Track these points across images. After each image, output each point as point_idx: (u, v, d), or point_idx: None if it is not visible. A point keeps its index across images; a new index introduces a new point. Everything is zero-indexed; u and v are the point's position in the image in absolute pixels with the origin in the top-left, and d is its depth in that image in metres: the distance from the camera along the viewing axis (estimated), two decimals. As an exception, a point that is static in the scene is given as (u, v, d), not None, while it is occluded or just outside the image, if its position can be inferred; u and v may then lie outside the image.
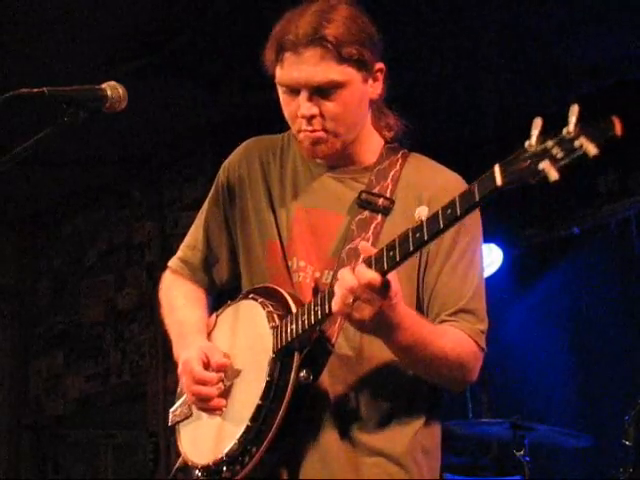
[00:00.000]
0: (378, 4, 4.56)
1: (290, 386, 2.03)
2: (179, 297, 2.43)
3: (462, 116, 5.67)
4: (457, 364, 2.10)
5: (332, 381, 2.12)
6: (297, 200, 2.27)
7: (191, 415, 2.29)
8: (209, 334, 2.33)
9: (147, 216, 6.59)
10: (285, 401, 2.03)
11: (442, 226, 1.78)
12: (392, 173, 2.21)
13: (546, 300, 5.70)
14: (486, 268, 5.58)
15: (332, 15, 2.10)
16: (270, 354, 2.09)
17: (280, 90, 2.17)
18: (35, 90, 1.91)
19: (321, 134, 2.14)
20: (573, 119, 1.66)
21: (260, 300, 2.18)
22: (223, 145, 2.66)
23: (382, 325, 1.93)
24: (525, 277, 5.78)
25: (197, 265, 2.43)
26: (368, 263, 1.88)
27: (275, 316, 2.13)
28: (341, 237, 2.18)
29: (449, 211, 1.77)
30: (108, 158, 6.37)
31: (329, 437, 2.12)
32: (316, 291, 2.15)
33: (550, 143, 1.66)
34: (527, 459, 4.39)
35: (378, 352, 2.11)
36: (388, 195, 2.17)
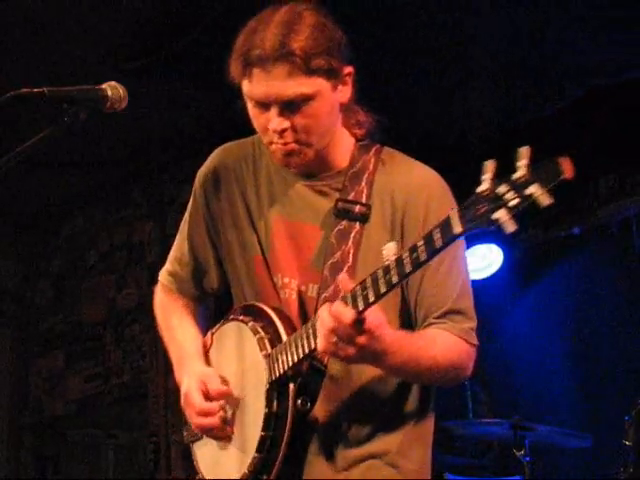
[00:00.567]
0: (371, 3, 4.59)
1: (290, 416, 2.08)
2: (174, 315, 2.45)
3: (453, 118, 5.67)
4: (450, 368, 2.15)
5: (323, 399, 2.15)
6: (275, 212, 2.26)
7: (202, 437, 2.34)
8: (206, 353, 2.36)
9: (147, 216, 6.59)
10: (287, 430, 2.08)
11: (408, 270, 1.83)
12: (366, 175, 2.20)
13: (546, 300, 5.70)
14: (486, 268, 5.65)
15: (298, 26, 2.06)
16: (265, 384, 2.13)
17: (249, 103, 2.14)
18: (35, 90, 1.91)
19: (293, 146, 2.12)
20: (524, 162, 1.67)
21: (250, 324, 2.20)
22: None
23: (368, 356, 1.97)
24: (525, 277, 5.78)
25: (186, 278, 2.44)
26: (345, 301, 1.91)
27: (266, 342, 2.15)
28: (321, 250, 2.18)
29: (414, 255, 1.81)
30: (108, 158, 6.37)
31: (320, 454, 2.17)
32: (302, 307, 2.19)
33: (503, 189, 1.67)
34: (527, 459, 4.39)
35: (367, 366, 2.12)
36: (364, 200, 2.17)
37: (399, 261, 1.84)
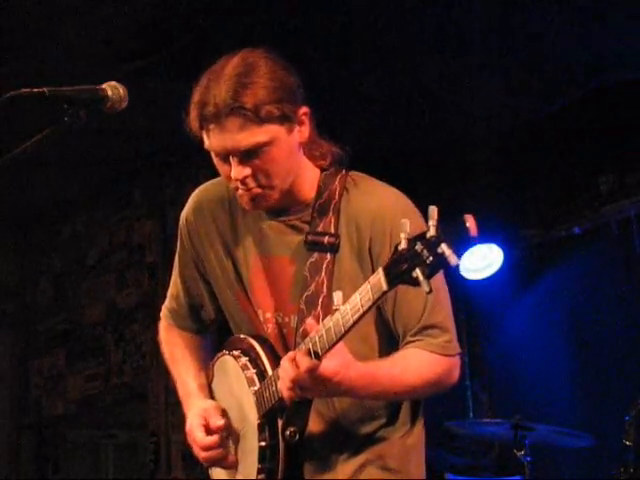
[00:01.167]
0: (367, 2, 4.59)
1: (281, 449, 2.22)
2: (177, 351, 2.60)
3: (449, 118, 5.67)
4: (427, 386, 2.23)
5: (314, 422, 2.26)
6: (251, 250, 2.36)
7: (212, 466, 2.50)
8: (210, 384, 2.52)
9: (148, 216, 6.59)
10: (280, 461, 2.22)
11: (353, 320, 1.97)
12: (332, 205, 2.27)
13: (546, 300, 5.70)
14: (486, 268, 5.65)
15: (248, 79, 2.13)
16: (256, 419, 2.27)
17: (211, 153, 2.24)
18: (35, 90, 1.91)
19: (257, 191, 2.21)
20: (433, 222, 1.80)
21: (239, 360, 2.34)
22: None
23: (335, 394, 2.15)
24: (525, 277, 5.78)
25: (184, 314, 2.59)
26: (306, 346, 2.04)
27: (255, 378, 2.29)
28: (296, 283, 2.28)
29: (355, 307, 1.95)
30: (108, 158, 6.37)
31: (318, 471, 2.29)
32: (284, 339, 2.31)
33: (419, 246, 1.80)
34: (528, 459, 4.39)
35: None
36: (332, 231, 2.25)
37: (344, 312, 1.98)
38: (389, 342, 2.28)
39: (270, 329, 2.33)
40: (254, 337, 2.35)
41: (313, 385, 2.04)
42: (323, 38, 4.87)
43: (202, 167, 6.05)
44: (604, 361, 5.34)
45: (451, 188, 5.66)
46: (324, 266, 2.23)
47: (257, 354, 2.31)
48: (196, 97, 2.20)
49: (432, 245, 1.78)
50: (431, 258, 1.78)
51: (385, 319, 2.26)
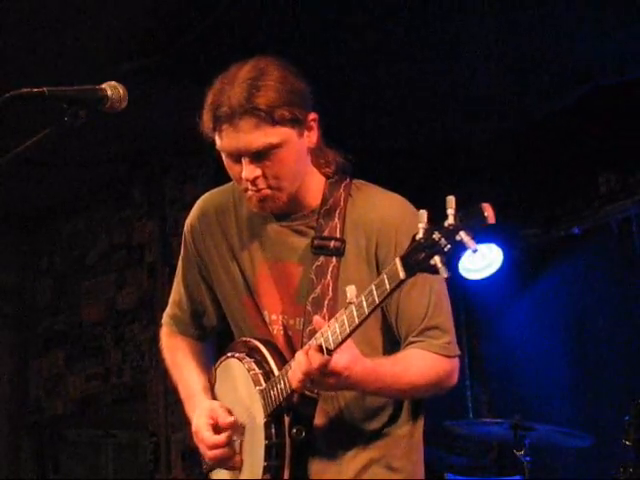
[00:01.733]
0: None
1: (287, 447, 2.27)
2: (179, 356, 2.66)
3: (449, 118, 5.67)
4: (429, 386, 2.30)
5: (319, 420, 2.32)
6: (258, 254, 2.43)
7: (217, 467, 2.52)
8: (212, 388, 2.56)
9: (148, 216, 6.59)
10: (287, 459, 2.28)
11: (366, 313, 2.03)
12: (338, 211, 2.35)
13: (546, 300, 5.70)
14: (486, 268, 5.65)
15: (261, 82, 2.22)
16: (263, 417, 2.31)
17: (222, 155, 2.32)
18: (35, 90, 1.91)
19: (266, 192, 2.28)
20: (451, 211, 1.86)
21: (245, 361, 2.39)
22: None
23: (343, 388, 2.21)
24: (525, 277, 5.78)
25: (186, 320, 2.64)
26: (317, 341, 2.11)
27: (260, 377, 2.35)
28: (303, 286, 2.35)
29: (370, 299, 2.02)
30: (108, 158, 6.37)
31: (324, 470, 2.34)
32: (290, 340, 2.37)
33: (437, 235, 1.86)
34: (527, 459, 4.39)
35: None
36: (338, 235, 2.33)
37: (359, 304, 2.04)
38: (392, 345, 2.35)
39: (276, 330, 2.40)
40: (259, 339, 2.40)
41: (323, 379, 2.11)
42: (323, 38, 4.87)
43: (202, 167, 6.06)
44: (604, 361, 5.34)
45: (451, 188, 5.65)
46: (330, 269, 2.30)
47: (263, 355, 2.36)
48: (210, 99, 2.28)
49: (450, 233, 1.83)
50: (449, 246, 1.84)
51: (389, 322, 2.32)
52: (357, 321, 2.04)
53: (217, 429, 2.40)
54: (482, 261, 5.56)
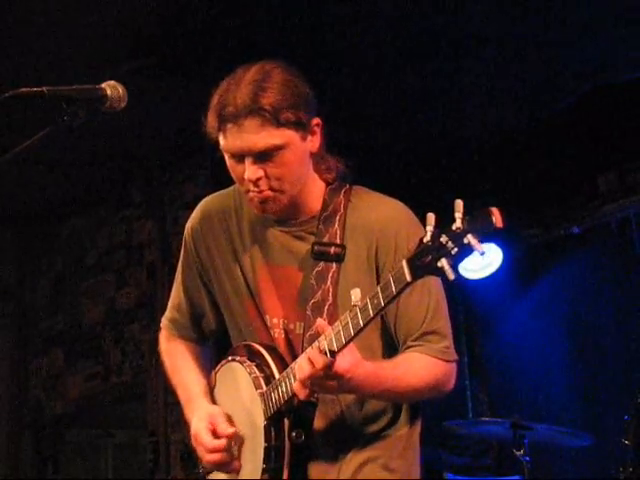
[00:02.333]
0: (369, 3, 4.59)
1: (287, 450, 2.29)
2: (178, 360, 2.67)
3: (448, 119, 5.68)
4: (427, 389, 2.31)
5: (318, 423, 2.33)
6: (259, 258, 2.44)
7: (214, 470, 2.53)
8: (212, 392, 2.57)
9: (147, 215, 6.59)
10: (285, 461, 2.29)
11: (371, 315, 2.04)
12: (338, 217, 2.37)
13: (546, 300, 5.70)
14: (486, 268, 5.64)
15: (267, 84, 2.24)
16: (263, 420, 2.32)
17: (226, 155, 2.33)
18: (35, 89, 1.91)
19: (268, 193, 2.29)
20: (458, 214, 1.86)
21: (246, 364, 2.41)
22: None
23: (344, 392, 2.22)
24: (525, 277, 5.78)
25: (185, 324, 2.66)
26: (320, 343, 2.12)
27: (261, 381, 2.36)
28: (303, 291, 2.37)
29: (375, 301, 2.02)
30: (108, 158, 6.36)
31: (322, 472, 2.34)
32: (290, 344, 2.38)
33: (444, 238, 1.87)
34: (527, 459, 4.39)
35: None
36: (338, 241, 2.35)
37: (363, 307, 2.05)
38: (390, 349, 2.36)
39: (277, 334, 2.41)
40: (261, 343, 2.41)
41: (325, 381, 2.12)
42: (322, 38, 4.87)
43: (201, 167, 6.06)
44: (603, 360, 5.34)
45: (451, 188, 5.66)
46: (330, 275, 2.32)
47: (264, 359, 2.37)
48: (215, 100, 2.30)
49: (457, 236, 1.85)
50: (456, 249, 1.85)
51: (387, 325, 2.34)
52: (362, 324, 2.04)
53: (216, 434, 2.41)
54: (482, 261, 5.56)
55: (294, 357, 2.33)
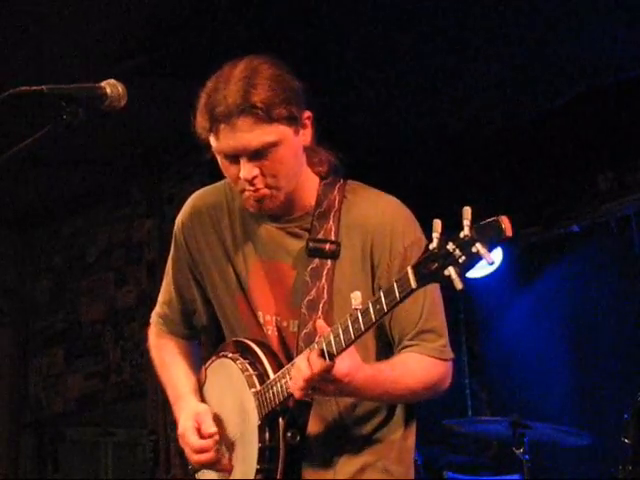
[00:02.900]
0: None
1: (282, 450, 2.24)
2: (167, 356, 2.62)
3: (447, 117, 5.67)
4: (424, 390, 2.29)
5: (313, 425, 2.29)
6: (251, 253, 2.39)
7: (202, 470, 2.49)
8: (201, 388, 2.52)
9: (146, 214, 6.59)
10: (280, 462, 2.24)
11: (373, 320, 2.00)
12: (332, 213, 2.32)
13: (546, 298, 5.70)
14: (485, 266, 5.63)
15: (256, 80, 2.19)
16: (257, 420, 2.28)
17: (218, 156, 2.28)
18: (34, 88, 1.91)
19: (264, 191, 2.25)
20: (467, 222, 1.83)
21: (239, 362, 2.35)
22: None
23: (343, 395, 2.20)
24: (525, 276, 5.78)
25: (176, 320, 2.61)
26: (319, 345, 2.09)
27: (254, 379, 2.31)
28: (297, 288, 2.32)
29: (378, 306, 1.99)
30: (107, 156, 6.36)
31: (317, 473, 2.31)
32: (284, 342, 2.34)
33: (451, 246, 1.84)
34: (526, 457, 4.39)
35: None
36: (333, 238, 2.30)
37: (366, 311, 2.01)
38: (385, 348, 2.33)
39: (270, 331, 2.36)
40: (253, 340, 2.37)
41: (324, 385, 2.10)
42: (322, 37, 4.87)
43: (200, 165, 6.05)
44: (603, 359, 5.34)
45: (450, 186, 5.66)
46: (325, 272, 2.28)
47: (257, 356, 2.33)
48: (204, 100, 2.24)
49: (465, 244, 1.82)
50: (464, 257, 1.82)
51: (382, 325, 2.30)
52: (363, 328, 2.01)
53: (202, 434, 2.38)
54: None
55: (288, 355, 2.30)
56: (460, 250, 1.82)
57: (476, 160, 5.80)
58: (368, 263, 2.28)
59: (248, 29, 4.66)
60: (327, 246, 2.29)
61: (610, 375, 5.23)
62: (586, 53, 5.03)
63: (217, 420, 2.41)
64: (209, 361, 2.50)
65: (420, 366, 2.25)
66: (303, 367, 2.09)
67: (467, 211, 1.83)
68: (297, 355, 2.23)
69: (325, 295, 2.26)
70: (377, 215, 2.30)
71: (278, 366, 2.29)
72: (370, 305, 2.00)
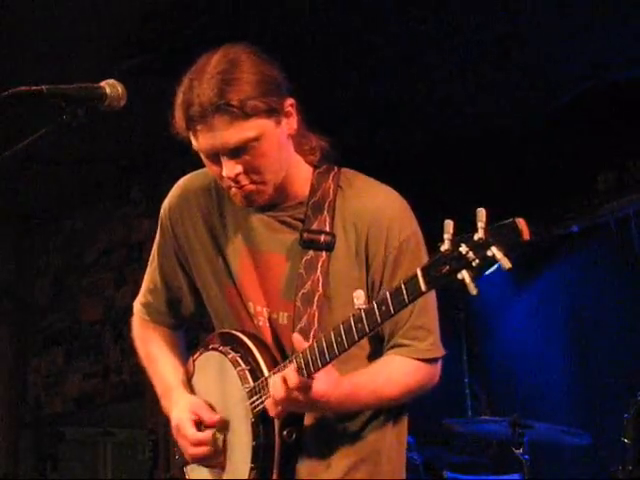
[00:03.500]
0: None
1: (277, 448, 2.18)
2: (153, 347, 2.54)
3: (447, 118, 5.68)
4: (411, 394, 2.25)
5: (305, 421, 2.24)
6: (241, 242, 2.31)
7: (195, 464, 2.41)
8: (190, 380, 2.43)
9: (146, 214, 6.59)
10: (276, 461, 2.19)
11: (380, 321, 1.95)
12: (327, 204, 2.25)
13: (545, 298, 5.70)
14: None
15: (231, 75, 2.11)
16: (251, 417, 2.20)
17: (201, 154, 2.22)
18: (34, 88, 1.90)
19: (250, 187, 2.18)
20: (481, 224, 1.75)
21: (230, 355, 2.27)
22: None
23: (321, 411, 2.17)
24: (524, 275, 5.78)
25: (161, 309, 2.51)
26: (297, 360, 2.06)
27: (247, 374, 2.23)
28: (290, 280, 2.24)
29: (383, 308, 1.93)
30: (106, 156, 6.36)
31: (311, 472, 2.25)
32: (275, 334, 2.27)
33: (464, 248, 1.76)
34: (526, 457, 4.39)
35: None
36: (328, 229, 2.23)
37: (369, 311, 1.96)
38: (377, 342, 2.27)
39: (262, 322, 2.29)
40: (244, 332, 2.29)
41: (301, 403, 2.07)
42: (323, 36, 4.87)
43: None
44: (603, 359, 5.34)
45: (450, 187, 5.66)
46: (319, 264, 2.21)
47: (249, 350, 2.25)
48: (180, 98, 2.19)
49: (480, 247, 1.75)
50: (477, 261, 1.76)
51: None
52: (368, 329, 1.97)
53: (200, 426, 2.30)
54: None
55: (280, 348, 2.25)
56: (474, 253, 1.75)
57: (475, 160, 5.80)
58: (363, 256, 2.22)
59: (247, 29, 4.66)
60: (322, 237, 2.22)
61: (610, 375, 5.23)
62: (586, 52, 5.03)
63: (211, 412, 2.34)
64: (197, 353, 2.41)
65: (405, 372, 2.22)
66: (277, 385, 2.06)
67: (481, 213, 1.76)
68: (290, 349, 2.18)
69: (320, 288, 2.20)
70: (373, 207, 2.23)
71: (271, 360, 2.22)
72: (375, 306, 1.94)
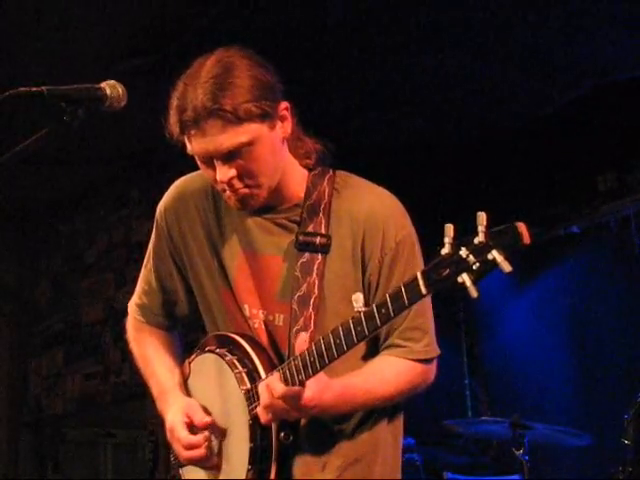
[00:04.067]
0: None
1: (274, 450, 2.19)
2: (148, 349, 2.56)
3: (447, 119, 5.68)
4: (403, 394, 2.26)
5: (301, 422, 2.23)
6: (237, 244, 2.32)
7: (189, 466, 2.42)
8: (185, 382, 2.44)
9: (146, 215, 6.59)
10: (273, 463, 2.19)
11: (380, 324, 1.94)
12: (322, 206, 2.26)
13: (546, 299, 5.71)
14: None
15: (226, 79, 2.11)
16: (247, 419, 2.20)
17: (196, 158, 2.21)
18: (34, 89, 1.90)
19: (244, 191, 2.18)
20: (481, 228, 1.75)
21: (227, 358, 2.27)
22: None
23: (312, 415, 2.14)
24: (524, 275, 5.78)
25: (156, 310, 2.53)
26: (284, 378, 2.08)
27: (244, 376, 2.23)
28: (286, 282, 2.25)
29: (383, 311, 1.92)
30: (107, 157, 6.37)
31: (307, 473, 2.25)
32: (271, 336, 2.28)
33: (465, 251, 1.77)
34: (526, 458, 4.39)
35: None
36: (323, 231, 2.24)
37: (368, 314, 1.95)
38: (372, 342, 2.26)
39: (257, 324, 2.29)
40: (240, 334, 2.30)
41: (292, 411, 2.08)
42: (323, 36, 4.87)
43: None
44: (603, 360, 5.34)
45: (450, 187, 5.66)
46: (315, 267, 2.22)
47: (246, 352, 2.26)
48: (174, 103, 2.19)
49: (480, 251, 1.76)
50: (478, 264, 1.76)
51: None
52: (367, 332, 1.96)
53: (193, 428, 2.31)
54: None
55: (276, 350, 2.25)
56: (474, 256, 1.76)
57: (475, 161, 5.80)
58: (359, 258, 2.22)
59: (247, 29, 4.66)
60: (317, 240, 2.22)
61: (610, 375, 5.23)
62: (586, 54, 5.03)
63: (206, 415, 2.34)
64: (193, 355, 2.42)
65: (398, 372, 2.22)
66: (263, 393, 2.07)
67: (482, 217, 1.76)
68: (288, 352, 2.19)
69: (316, 290, 2.20)
70: (368, 209, 2.24)
71: (268, 362, 2.23)
72: (375, 309, 1.94)
